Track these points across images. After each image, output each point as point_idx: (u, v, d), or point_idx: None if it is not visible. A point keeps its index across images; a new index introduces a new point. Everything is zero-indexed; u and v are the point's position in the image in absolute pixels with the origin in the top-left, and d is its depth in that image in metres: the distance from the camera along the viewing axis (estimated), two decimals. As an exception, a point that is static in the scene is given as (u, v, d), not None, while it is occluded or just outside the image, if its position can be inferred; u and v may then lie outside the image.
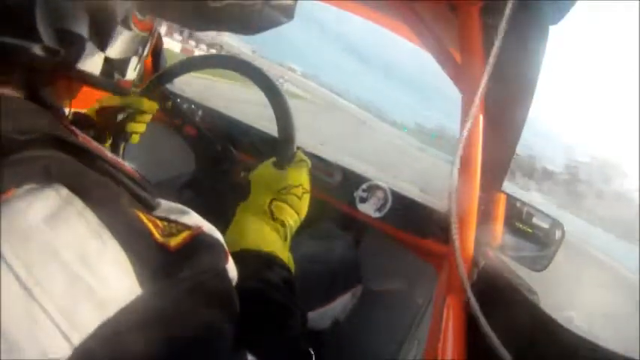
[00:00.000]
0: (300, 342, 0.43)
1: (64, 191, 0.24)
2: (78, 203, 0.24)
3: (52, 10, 0.27)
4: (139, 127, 0.74)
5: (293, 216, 0.56)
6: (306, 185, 0.59)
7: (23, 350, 0.20)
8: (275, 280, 0.46)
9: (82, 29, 0.29)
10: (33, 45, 0.27)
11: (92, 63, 0.31)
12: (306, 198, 0.59)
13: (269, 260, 0.48)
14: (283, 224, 0.55)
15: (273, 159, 0.62)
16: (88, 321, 0.22)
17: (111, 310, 0.22)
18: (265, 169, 0.60)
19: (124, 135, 0.73)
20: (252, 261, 0.46)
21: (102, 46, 0.30)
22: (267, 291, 0.44)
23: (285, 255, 0.51)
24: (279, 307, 0.43)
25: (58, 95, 0.34)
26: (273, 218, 0.54)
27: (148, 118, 0.75)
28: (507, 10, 0.51)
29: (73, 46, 0.29)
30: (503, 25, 0.51)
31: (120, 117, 0.71)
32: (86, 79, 0.31)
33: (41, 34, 0.27)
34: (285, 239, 0.55)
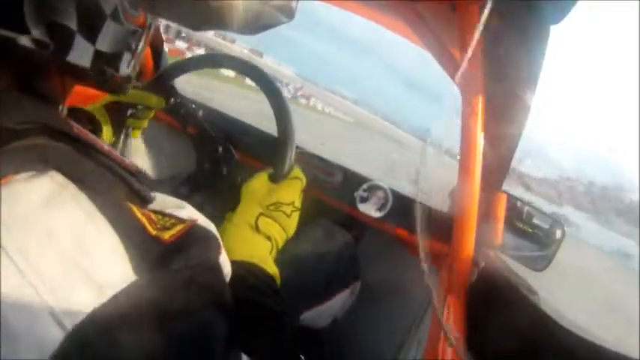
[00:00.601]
0: (291, 345, 0.44)
1: (59, 177, 0.24)
2: (72, 188, 0.24)
3: (41, 1, 0.26)
4: (142, 123, 0.74)
5: (280, 232, 0.56)
6: (298, 203, 0.59)
7: (17, 333, 0.20)
8: (262, 287, 0.46)
9: (71, 21, 0.28)
10: (21, 37, 0.26)
11: (82, 56, 0.30)
12: (296, 216, 0.59)
13: (255, 270, 0.48)
14: (269, 238, 0.55)
15: (270, 171, 0.62)
16: (81, 305, 0.22)
17: (105, 295, 0.22)
18: (259, 181, 0.60)
19: (126, 130, 0.73)
20: (239, 271, 0.47)
21: (91, 38, 0.30)
22: (256, 297, 0.44)
23: (271, 267, 0.51)
24: (269, 311, 0.44)
25: (52, 89, 0.34)
26: (259, 232, 0.54)
27: (151, 114, 0.75)
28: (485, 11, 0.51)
29: (62, 39, 0.28)
30: (481, 22, 0.51)
31: (130, 112, 0.71)
32: (77, 72, 0.31)
33: (29, 26, 0.26)
34: (271, 253, 0.55)
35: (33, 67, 0.30)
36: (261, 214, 0.55)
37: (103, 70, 0.32)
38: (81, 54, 0.30)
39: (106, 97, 0.70)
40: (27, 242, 0.22)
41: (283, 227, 0.57)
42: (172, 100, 0.81)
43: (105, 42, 0.31)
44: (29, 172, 0.24)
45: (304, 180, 0.62)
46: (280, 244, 0.57)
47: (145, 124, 0.75)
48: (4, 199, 0.22)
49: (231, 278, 0.37)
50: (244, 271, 0.47)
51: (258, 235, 0.54)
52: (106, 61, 0.32)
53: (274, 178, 0.60)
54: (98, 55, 0.31)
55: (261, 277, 0.48)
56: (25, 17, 0.26)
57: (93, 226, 0.24)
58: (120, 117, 0.70)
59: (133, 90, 0.71)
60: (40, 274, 0.21)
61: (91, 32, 0.30)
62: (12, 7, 0.26)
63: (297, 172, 0.63)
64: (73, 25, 0.28)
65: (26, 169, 0.24)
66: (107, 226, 0.24)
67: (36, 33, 0.27)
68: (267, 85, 0.67)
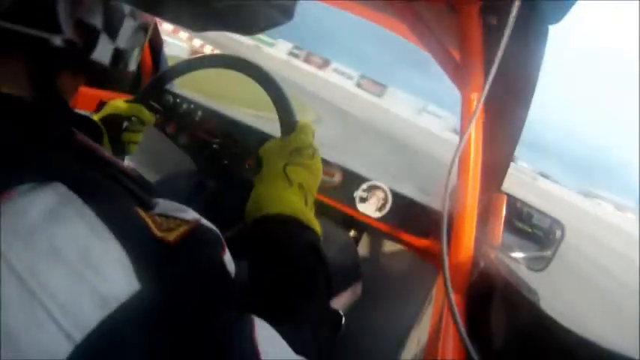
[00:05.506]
0: (326, 307, 0.44)
1: (63, 189, 0.24)
2: (76, 201, 0.24)
3: (72, 1, 0.28)
4: (137, 137, 0.75)
5: (309, 177, 0.55)
6: (315, 146, 0.59)
7: (25, 349, 0.20)
8: (298, 244, 0.46)
9: (97, 20, 0.30)
10: (54, 36, 0.27)
11: (104, 54, 0.32)
12: (318, 159, 0.58)
13: (290, 223, 0.48)
14: (301, 186, 0.53)
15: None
16: (89, 318, 0.22)
17: (111, 307, 0.23)
18: (272, 141, 0.60)
19: (122, 146, 0.73)
20: (275, 226, 0.47)
21: (113, 36, 0.32)
22: (289, 258, 0.44)
23: (308, 216, 0.50)
24: (302, 273, 0.43)
25: (60, 92, 0.34)
26: (290, 181, 0.53)
27: (145, 128, 0.76)
28: (513, 12, 0.51)
29: (89, 37, 0.30)
30: (509, 27, 0.51)
31: (125, 125, 0.72)
32: (94, 69, 0.32)
33: (62, 26, 0.27)
34: (306, 201, 0.54)
35: (46, 65, 0.31)
36: (286, 164, 0.54)
37: (117, 66, 0.34)
38: (103, 52, 0.32)
39: (105, 109, 0.71)
40: (32, 257, 0.22)
41: (310, 170, 0.56)
42: (159, 112, 0.80)
43: (124, 39, 0.33)
44: (32, 184, 0.24)
45: (314, 127, 0.62)
46: (314, 189, 0.56)
47: (140, 137, 0.76)
48: (8, 213, 0.22)
49: (269, 236, 0.38)
50: (281, 226, 0.47)
51: (289, 187, 0.53)
52: (121, 56, 0.34)
53: (285, 134, 0.60)
54: (116, 51, 0.33)
55: (298, 232, 0.47)
56: (59, 17, 0.27)
57: (97, 239, 0.24)
58: (115, 130, 0.72)
59: (127, 103, 0.74)
60: (47, 289, 0.21)
61: (114, 30, 0.32)
62: (46, 5, 0.27)
63: (304, 121, 0.62)
64: (99, 23, 0.30)
65: (29, 180, 0.24)
66: (111, 237, 0.24)
67: (68, 32, 0.28)
68: (261, 75, 0.67)
